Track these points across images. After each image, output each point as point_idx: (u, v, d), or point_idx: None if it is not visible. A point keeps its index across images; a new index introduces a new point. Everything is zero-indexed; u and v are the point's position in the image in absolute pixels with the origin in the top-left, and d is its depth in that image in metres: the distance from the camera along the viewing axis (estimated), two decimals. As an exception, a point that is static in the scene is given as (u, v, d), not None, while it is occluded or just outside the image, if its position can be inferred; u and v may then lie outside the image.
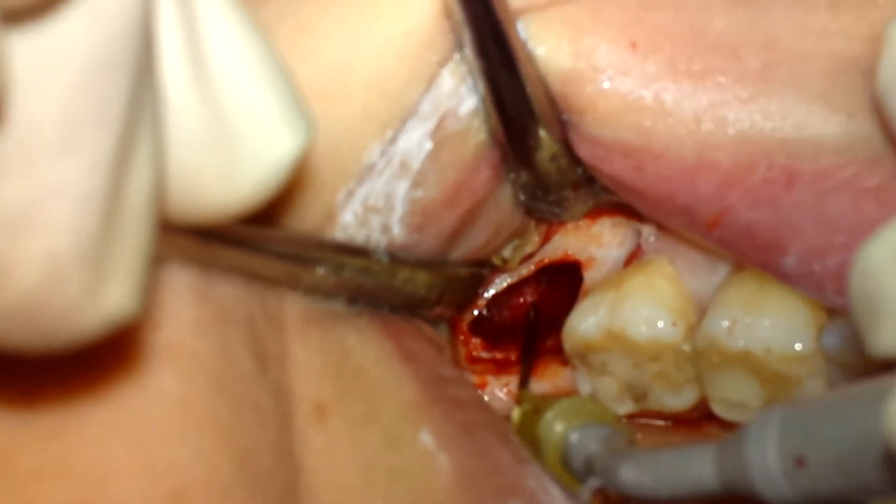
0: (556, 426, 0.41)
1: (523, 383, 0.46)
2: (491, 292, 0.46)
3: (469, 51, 0.39)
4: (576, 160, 0.41)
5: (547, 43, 0.39)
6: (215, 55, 0.30)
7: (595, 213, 0.45)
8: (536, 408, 0.43)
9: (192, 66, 0.30)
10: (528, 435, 0.42)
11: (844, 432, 0.32)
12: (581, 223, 0.45)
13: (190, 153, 0.30)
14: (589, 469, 0.40)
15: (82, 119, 0.27)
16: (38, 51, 0.26)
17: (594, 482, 0.40)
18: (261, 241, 0.37)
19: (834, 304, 0.39)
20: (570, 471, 0.41)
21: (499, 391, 0.46)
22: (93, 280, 0.28)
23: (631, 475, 0.37)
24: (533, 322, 0.46)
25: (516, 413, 0.44)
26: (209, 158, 0.30)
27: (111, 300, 0.28)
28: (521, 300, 0.46)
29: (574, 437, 0.41)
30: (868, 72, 0.38)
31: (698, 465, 0.36)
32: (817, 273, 0.38)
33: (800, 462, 0.33)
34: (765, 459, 0.33)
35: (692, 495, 0.36)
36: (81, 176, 0.27)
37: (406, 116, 0.39)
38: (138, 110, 0.28)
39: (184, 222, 0.32)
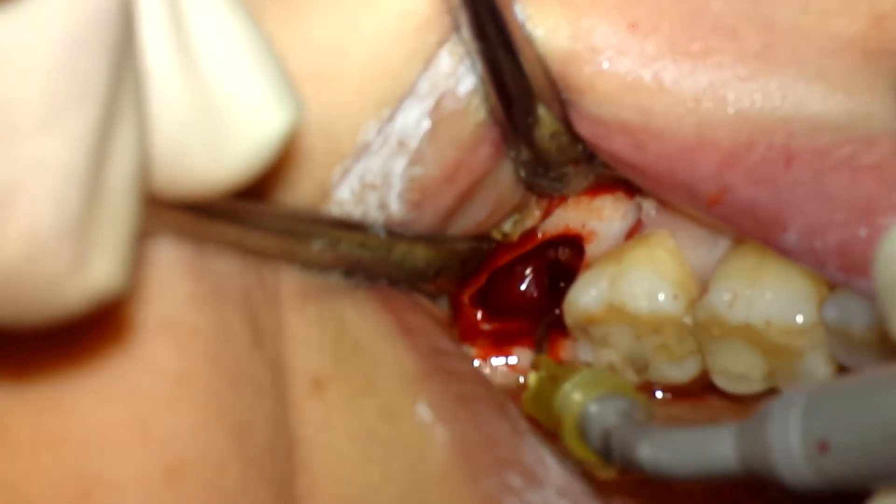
0: (574, 396, 0.41)
1: (539, 348, 0.46)
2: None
3: (466, 32, 0.39)
4: (576, 137, 0.41)
5: (545, 23, 0.39)
6: (200, 32, 0.30)
7: (596, 188, 0.45)
8: (553, 375, 0.42)
9: (177, 43, 0.30)
10: (544, 402, 0.42)
11: (870, 417, 0.31)
12: (582, 198, 0.45)
13: (177, 130, 0.31)
14: (606, 442, 0.39)
15: (62, 97, 0.27)
16: (17, 30, 0.26)
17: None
18: (255, 216, 0.38)
19: (835, 279, 0.39)
20: (586, 442, 0.40)
21: (500, 364, 0.46)
22: (77, 255, 0.28)
23: (649, 453, 0.37)
24: (549, 289, 0.46)
25: (532, 378, 0.43)
26: (196, 135, 0.31)
27: (96, 275, 0.28)
28: (524, 273, 0.46)
29: (593, 408, 0.40)
30: (867, 51, 0.38)
31: (718, 445, 0.35)
32: (818, 250, 0.38)
33: (823, 447, 0.32)
34: (787, 443, 0.33)
35: (711, 476, 0.36)
36: (63, 153, 0.27)
37: (403, 96, 0.39)
38: (120, 88, 0.28)
39: (173, 198, 0.32)
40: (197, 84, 0.30)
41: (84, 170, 0.27)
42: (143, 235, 0.35)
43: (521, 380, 0.46)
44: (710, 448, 0.35)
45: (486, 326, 0.46)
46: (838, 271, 0.38)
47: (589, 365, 0.44)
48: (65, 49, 0.27)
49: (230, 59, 0.31)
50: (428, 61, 0.39)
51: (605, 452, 0.39)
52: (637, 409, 0.40)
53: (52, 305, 0.28)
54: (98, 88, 0.27)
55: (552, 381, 0.42)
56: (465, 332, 0.46)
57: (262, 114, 0.31)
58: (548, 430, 0.42)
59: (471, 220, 0.44)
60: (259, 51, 0.31)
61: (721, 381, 0.43)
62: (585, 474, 0.43)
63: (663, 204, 0.44)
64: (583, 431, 0.40)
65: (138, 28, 0.29)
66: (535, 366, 0.43)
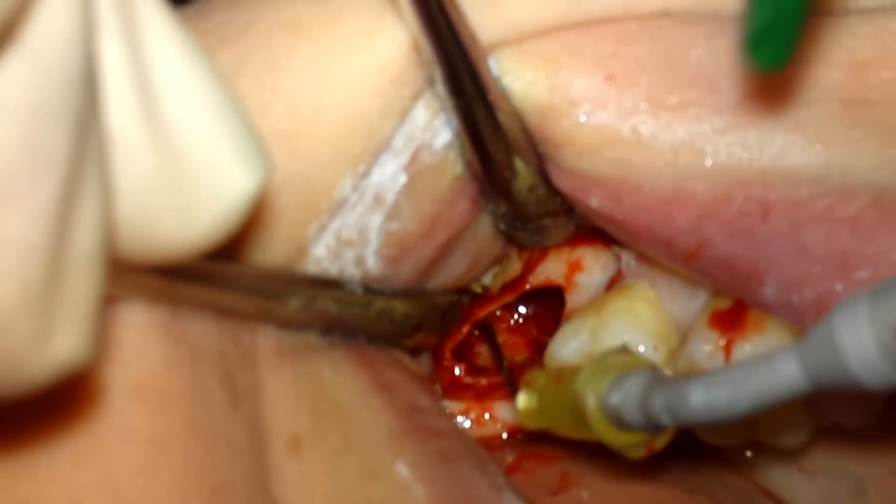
0: (591, 387, 0.39)
1: (510, 383, 0.45)
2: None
3: (440, 86, 0.39)
4: (554, 190, 0.41)
5: (523, 77, 0.39)
6: (166, 95, 0.30)
7: (576, 240, 0.44)
8: (558, 376, 0.41)
9: (141, 106, 0.30)
10: (554, 408, 0.40)
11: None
12: (562, 249, 0.45)
13: (143, 194, 0.30)
14: (647, 414, 0.37)
15: (23, 170, 0.26)
16: None
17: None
18: (230, 276, 0.37)
19: None
20: (623, 425, 0.38)
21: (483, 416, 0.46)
22: (40, 329, 0.27)
23: (703, 398, 0.35)
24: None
25: (523, 397, 0.41)
26: (163, 198, 0.30)
27: (59, 349, 0.28)
28: (505, 324, 0.46)
29: (616, 397, 0.38)
30: (846, 100, 0.38)
31: (779, 367, 0.33)
32: (796, 304, 0.38)
33: None
34: (860, 339, 0.31)
35: (774, 403, 0.34)
36: (23, 227, 0.27)
37: (379, 151, 0.39)
38: (83, 158, 0.28)
39: (142, 263, 0.32)
40: (163, 146, 0.30)
41: (46, 244, 0.27)
42: (114, 300, 0.36)
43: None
44: (772, 373, 0.34)
45: (467, 380, 0.46)
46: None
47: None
48: (25, 121, 0.26)
49: (197, 120, 0.30)
50: (403, 115, 0.39)
51: (650, 424, 0.37)
52: (661, 374, 0.38)
53: (15, 379, 0.28)
54: (60, 159, 0.27)
55: (558, 381, 0.40)
56: (446, 387, 0.46)
57: (229, 175, 0.31)
58: (561, 435, 0.41)
59: (450, 273, 0.43)
60: (226, 110, 0.31)
61: (702, 433, 0.42)
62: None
63: (641, 254, 0.44)
64: (615, 417, 0.38)
65: (102, 91, 0.29)
66: (527, 382, 0.42)
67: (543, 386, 0.41)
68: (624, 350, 0.41)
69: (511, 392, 0.46)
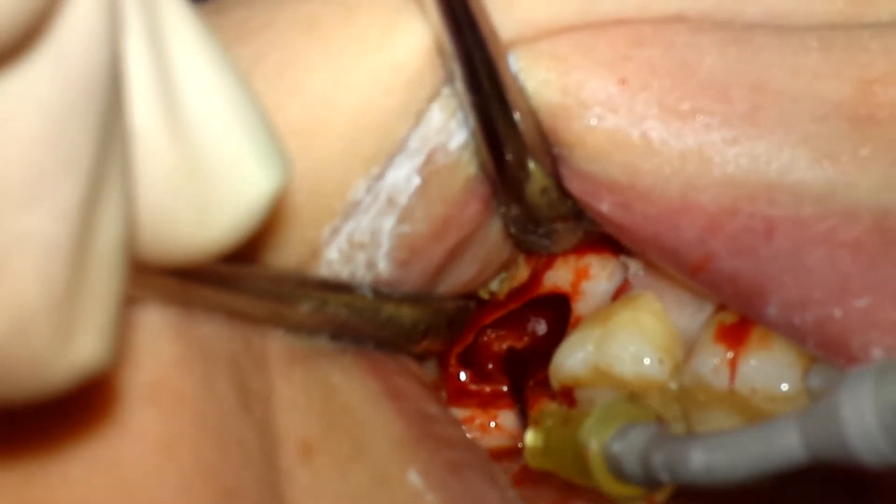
0: (596, 434, 0.39)
1: (521, 408, 0.45)
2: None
3: (459, 84, 0.38)
4: (566, 194, 0.41)
5: (536, 76, 0.39)
6: (188, 95, 0.30)
7: (584, 248, 0.44)
8: (565, 419, 0.41)
9: (163, 106, 0.29)
10: (559, 449, 0.40)
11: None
12: (569, 257, 0.45)
13: (163, 195, 0.30)
14: (646, 468, 0.37)
15: (48, 168, 0.26)
16: (2, 100, 0.26)
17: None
18: (242, 279, 0.37)
19: (816, 354, 0.39)
20: (623, 476, 0.39)
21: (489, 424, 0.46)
22: (61, 331, 0.27)
23: (703, 460, 0.35)
24: (520, 356, 0.46)
25: (531, 435, 0.42)
26: (182, 200, 0.30)
27: (81, 351, 0.28)
28: (511, 332, 0.46)
29: (621, 441, 0.38)
30: (854, 116, 0.38)
31: (780, 437, 0.33)
32: (798, 325, 0.38)
33: None
34: (862, 416, 0.31)
35: (772, 472, 0.34)
36: (48, 226, 0.26)
37: (393, 152, 0.39)
38: (107, 157, 0.28)
39: (159, 264, 0.32)
40: (183, 146, 0.30)
41: (69, 243, 0.27)
42: (129, 301, 0.35)
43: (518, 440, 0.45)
44: (773, 442, 0.34)
45: (472, 387, 0.46)
46: (816, 348, 0.38)
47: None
48: (52, 119, 0.26)
49: (217, 121, 0.30)
50: (419, 116, 0.39)
51: (648, 479, 0.38)
52: (666, 430, 0.39)
53: (35, 382, 0.27)
54: (85, 158, 0.27)
55: (565, 425, 0.40)
56: (451, 394, 0.46)
57: (249, 176, 0.30)
58: (564, 479, 0.41)
59: (459, 278, 0.43)
60: (247, 111, 0.31)
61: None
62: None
63: (649, 265, 0.44)
64: (615, 467, 0.39)
65: (126, 89, 0.29)
66: (535, 420, 0.42)
67: (550, 427, 0.41)
68: (632, 399, 0.41)
69: (519, 408, 0.46)
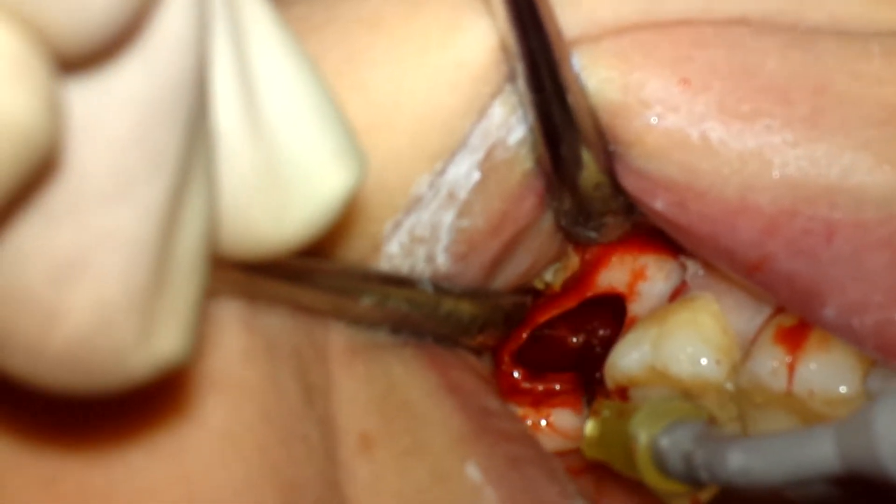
0: (645, 428, 0.40)
1: (589, 395, 0.46)
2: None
3: (521, 82, 0.38)
4: (619, 189, 0.41)
5: (597, 75, 0.39)
6: (267, 92, 0.30)
7: (641, 248, 0.45)
8: (621, 411, 0.41)
9: (244, 105, 0.30)
10: (612, 441, 0.41)
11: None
12: (626, 257, 0.45)
13: (242, 192, 0.30)
14: (689, 466, 0.38)
15: (136, 168, 0.26)
16: (94, 99, 0.26)
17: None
18: (307, 273, 0.37)
19: (874, 357, 0.39)
20: (667, 471, 0.39)
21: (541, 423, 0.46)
22: (143, 326, 0.28)
23: (740, 461, 0.36)
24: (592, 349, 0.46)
25: (590, 425, 0.42)
26: (261, 197, 0.30)
27: (162, 346, 0.28)
28: (565, 331, 0.46)
29: (667, 437, 0.39)
30: None
31: (816, 445, 0.34)
32: (856, 328, 0.38)
33: None
34: (894, 434, 0.32)
35: (807, 479, 0.35)
36: (133, 224, 0.27)
37: (456, 148, 0.39)
38: (192, 157, 0.28)
39: (234, 260, 0.32)
40: (262, 143, 0.30)
41: (154, 241, 0.27)
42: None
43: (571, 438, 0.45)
44: (808, 449, 0.34)
45: (525, 385, 0.46)
46: (875, 351, 0.38)
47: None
48: (141, 119, 0.26)
49: (296, 118, 0.30)
50: (481, 113, 0.39)
51: (690, 477, 0.38)
52: (712, 429, 0.39)
53: (116, 375, 0.28)
54: (172, 158, 0.27)
55: (620, 417, 0.41)
56: (504, 391, 0.46)
57: (326, 174, 0.31)
58: (616, 471, 0.41)
59: (514, 271, 0.43)
60: (325, 108, 0.31)
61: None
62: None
63: (707, 266, 0.44)
64: (660, 462, 0.39)
65: (211, 88, 0.29)
66: (595, 411, 0.43)
67: (607, 418, 0.42)
68: (685, 397, 0.41)
69: (586, 399, 0.46)
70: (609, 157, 0.40)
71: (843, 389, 0.40)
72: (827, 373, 0.40)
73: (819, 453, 0.34)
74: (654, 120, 0.39)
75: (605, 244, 0.45)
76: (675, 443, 0.39)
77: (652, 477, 0.40)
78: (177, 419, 0.35)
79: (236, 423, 0.36)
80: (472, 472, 0.40)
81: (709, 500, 0.42)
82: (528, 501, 0.40)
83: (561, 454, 0.45)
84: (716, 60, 0.39)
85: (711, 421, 0.40)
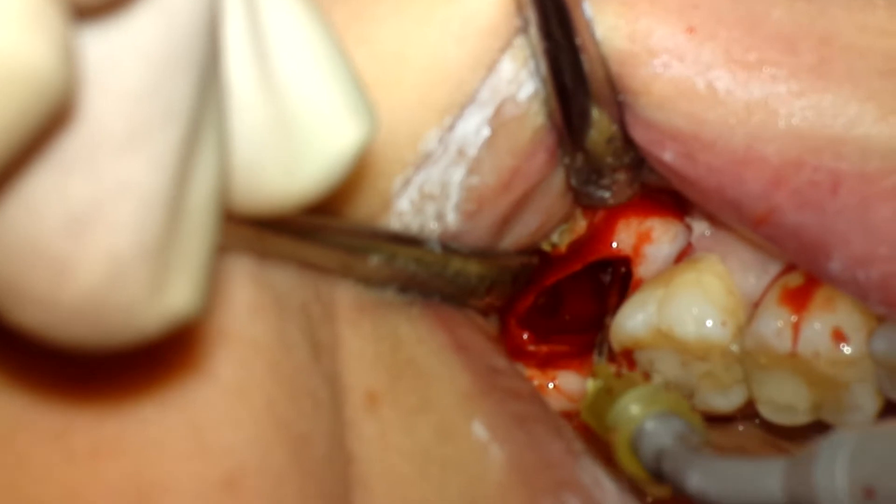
0: (631, 410, 0.40)
1: (599, 352, 0.46)
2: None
3: (533, 32, 0.38)
4: (629, 143, 0.41)
5: (605, 23, 0.39)
6: (279, 47, 0.30)
7: (646, 210, 0.45)
8: (609, 388, 0.42)
9: (255, 58, 0.30)
10: (599, 413, 0.42)
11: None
12: (632, 220, 0.45)
13: (253, 146, 0.30)
14: (658, 462, 0.39)
15: (149, 117, 0.26)
16: (108, 48, 0.26)
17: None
18: (315, 230, 0.37)
19: (878, 311, 0.39)
20: (638, 457, 0.40)
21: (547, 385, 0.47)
22: (156, 279, 0.27)
23: (698, 482, 0.37)
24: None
25: (591, 385, 0.43)
26: (272, 151, 0.30)
27: (174, 299, 0.28)
28: (571, 293, 0.46)
29: (648, 426, 0.40)
30: None
31: (766, 478, 0.35)
32: (861, 281, 0.38)
33: (869, 493, 0.32)
34: (833, 485, 0.33)
35: None
36: (146, 174, 0.27)
37: (465, 103, 0.39)
38: (204, 108, 0.28)
39: (245, 215, 0.32)
40: (274, 98, 0.30)
41: (166, 192, 0.27)
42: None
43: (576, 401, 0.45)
44: (759, 482, 0.35)
45: (531, 347, 0.46)
46: (880, 304, 0.38)
47: (647, 379, 0.44)
48: (153, 68, 0.26)
49: (307, 72, 0.30)
50: (490, 67, 0.39)
51: (657, 472, 0.39)
52: (692, 431, 0.40)
53: (128, 328, 0.28)
54: (184, 108, 0.27)
55: (608, 394, 0.41)
56: (511, 353, 0.46)
57: (337, 129, 0.31)
58: (602, 447, 0.42)
59: (522, 231, 0.43)
60: (335, 63, 0.31)
61: (766, 412, 0.43)
62: (641, 496, 0.43)
63: (713, 223, 0.44)
64: (636, 448, 0.40)
65: (222, 41, 0.29)
66: (594, 373, 0.43)
67: (601, 387, 0.42)
68: (679, 392, 0.42)
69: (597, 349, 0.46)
70: (619, 108, 0.40)
71: (846, 350, 0.41)
72: (831, 333, 0.41)
73: (768, 486, 0.35)
74: (660, 68, 0.39)
75: (612, 208, 0.45)
76: (656, 433, 0.40)
77: (627, 459, 0.41)
78: (187, 373, 0.35)
79: (245, 377, 0.36)
80: (479, 429, 0.40)
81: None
82: (535, 459, 0.40)
83: (567, 415, 0.45)
84: (722, 9, 0.39)
85: (697, 429, 0.41)
